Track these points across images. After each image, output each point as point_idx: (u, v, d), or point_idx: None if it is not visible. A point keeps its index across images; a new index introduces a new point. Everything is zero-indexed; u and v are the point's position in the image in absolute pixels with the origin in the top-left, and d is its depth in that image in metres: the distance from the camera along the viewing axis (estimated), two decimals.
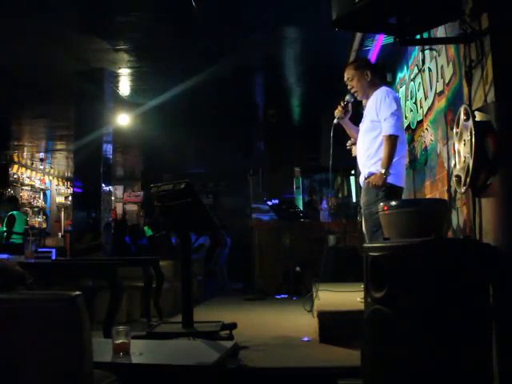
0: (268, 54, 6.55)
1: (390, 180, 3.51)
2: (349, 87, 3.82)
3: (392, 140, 3.49)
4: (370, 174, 3.58)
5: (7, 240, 8.13)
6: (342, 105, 3.89)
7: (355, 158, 4.05)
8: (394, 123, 3.51)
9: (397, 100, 3.66)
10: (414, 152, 4.99)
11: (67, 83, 7.29)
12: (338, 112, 3.89)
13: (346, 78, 3.81)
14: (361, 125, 3.85)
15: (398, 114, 3.57)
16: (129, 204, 15.52)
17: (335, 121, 3.92)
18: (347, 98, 3.90)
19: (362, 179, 3.78)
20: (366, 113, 3.77)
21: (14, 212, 8.49)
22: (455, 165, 2.52)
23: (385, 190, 3.49)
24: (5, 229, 8.32)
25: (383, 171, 3.46)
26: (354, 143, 4.02)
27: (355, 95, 3.83)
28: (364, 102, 4.04)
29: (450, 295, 1.97)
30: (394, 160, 3.52)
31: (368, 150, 3.66)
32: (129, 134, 9.61)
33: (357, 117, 4.12)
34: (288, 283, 7.06)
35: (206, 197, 14.60)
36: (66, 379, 1.44)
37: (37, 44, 6.04)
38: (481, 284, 2.05)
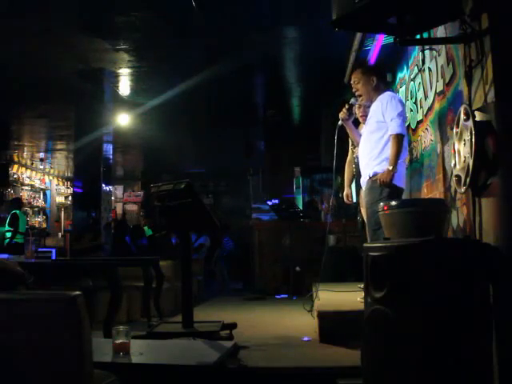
0: (268, 53, 6.55)
1: (393, 180, 3.58)
2: (354, 90, 3.92)
3: (399, 139, 3.60)
4: (376, 174, 3.64)
5: (12, 239, 8.13)
6: (347, 107, 3.98)
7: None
8: (401, 123, 3.62)
9: (402, 103, 3.79)
10: (413, 152, 4.99)
11: (67, 83, 7.29)
12: (342, 114, 3.99)
13: (352, 82, 3.92)
14: (364, 127, 3.91)
15: (403, 116, 3.70)
16: (129, 204, 15.52)
17: (340, 122, 4.02)
18: (352, 100, 4.01)
19: (363, 179, 3.82)
20: (370, 115, 3.83)
21: (17, 211, 8.51)
22: (455, 165, 2.52)
23: (389, 189, 3.56)
24: (8, 228, 8.32)
25: (391, 168, 3.53)
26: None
27: (360, 99, 3.92)
28: (357, 105, 4.07)
29: (450, 295, 1.97)
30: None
31: (373, 151, 3.73)
32: (129, 134, 9.61)
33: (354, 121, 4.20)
34: (288, 283, 7.05)
35: (206, 197, 14.61)
36: (66, 379, 1.44)
37: (37, 44, 6.04)
38: (481, 284, 2.05)
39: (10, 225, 8.34)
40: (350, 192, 4.49)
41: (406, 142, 3.90)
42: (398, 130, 3.59)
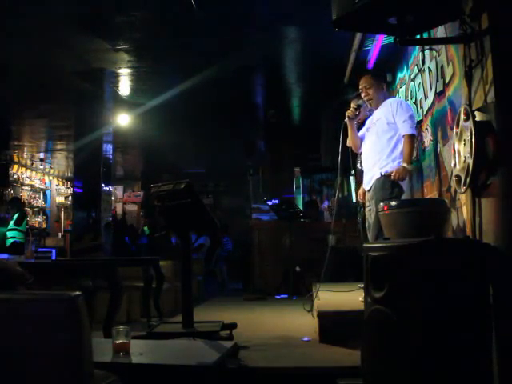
0: (268, 54, 6.55)
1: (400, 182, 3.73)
2: (363, 94, 4.01)
3: (412, 139, 3.78)
4: (387, 172, 3.72)
5: (19, 240, 8.13)
6: (355, 106, 4.04)
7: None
8: (412, 125, 3.78)
9: (411, 107, 4.02)
10: (414, 152, 4.99)
11: (67, 83, 7.29)
12: (350, 112, 4.07)
13: (362, 86, 4.01)
14: (370, 130, 4.00)
15: (414, 118, 3.88)
16: (129, 204, 15.51)
17: (346, 119, 4.10)
18: (360, 102, 4.10)
19: (369, 178, 3.85)
20: (377, 118, 3.93)
21: (21, 212, 8.51)
22: (455, 165, 2.53)
23: (399, 189, 3.69)
24: (12, 227, 8.31)
25: (405, 165, 3.67)
26: None
27: (368, 103, 4.03)
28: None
29: (450, 295, 1.97)
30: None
31: (383, 150, 3.82)
32: (129, 133, 9.60)
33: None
34: (288, 283, 7.05)
35: (206, 197, 14.61)
36: (66, 379, 1.44)
37: (37, 44, 6.04)
38: (481, 284, 2.05)
39: (17, 225, 8.33)
40: (363, 191, 4.53)
41: None
42: (411, 131, 3.75)
